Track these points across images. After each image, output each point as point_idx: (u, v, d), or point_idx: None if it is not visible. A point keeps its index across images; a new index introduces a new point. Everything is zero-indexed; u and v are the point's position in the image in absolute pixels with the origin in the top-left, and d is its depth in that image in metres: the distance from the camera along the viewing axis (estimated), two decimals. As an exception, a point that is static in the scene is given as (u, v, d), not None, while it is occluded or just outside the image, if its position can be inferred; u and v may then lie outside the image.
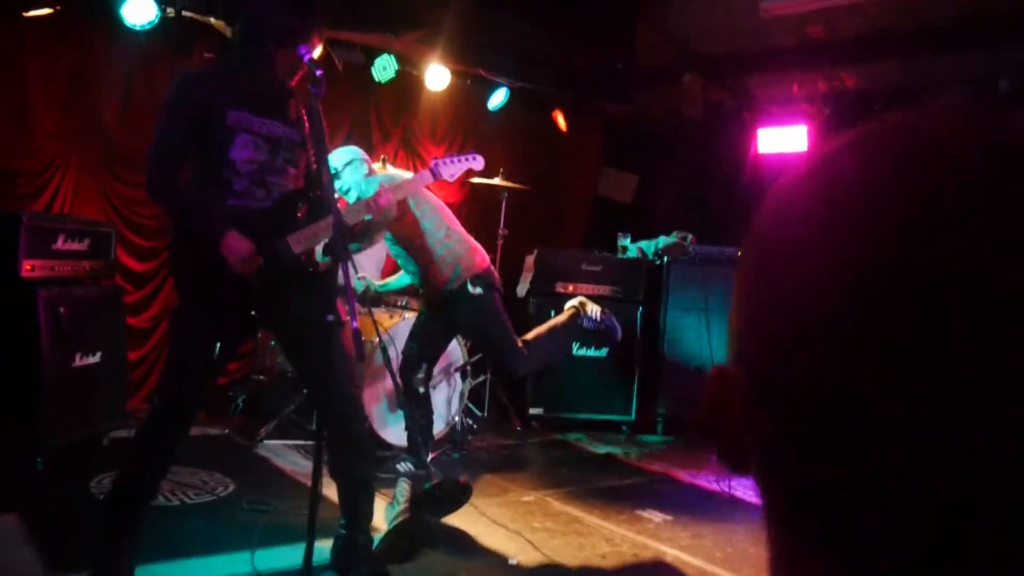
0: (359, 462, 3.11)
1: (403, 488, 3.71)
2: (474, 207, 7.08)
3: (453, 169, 3.44)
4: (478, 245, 4.42)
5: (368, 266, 5.82)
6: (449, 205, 7.04)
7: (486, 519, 3.95)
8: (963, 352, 0.36)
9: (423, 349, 4.46)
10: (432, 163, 3.39)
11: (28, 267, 3.98)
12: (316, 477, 2.60)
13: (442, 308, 4.33)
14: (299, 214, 2.99)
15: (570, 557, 3.54)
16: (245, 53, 2.87)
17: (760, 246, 0.49)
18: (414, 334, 4.52)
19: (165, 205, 2.98)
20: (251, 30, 2.87)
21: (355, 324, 2.44)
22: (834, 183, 0.45)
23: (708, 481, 4.97)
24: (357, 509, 3.14)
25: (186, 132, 2.80)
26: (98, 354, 4.33)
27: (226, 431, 5.03)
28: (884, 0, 6.00)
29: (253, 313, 2.99)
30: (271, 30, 2.79)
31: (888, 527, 0.39)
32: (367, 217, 3.18)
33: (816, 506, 0.43)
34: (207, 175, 2.85)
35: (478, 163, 3.54)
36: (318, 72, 2.70)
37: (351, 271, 2.50)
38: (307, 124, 2.90)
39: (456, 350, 5.18)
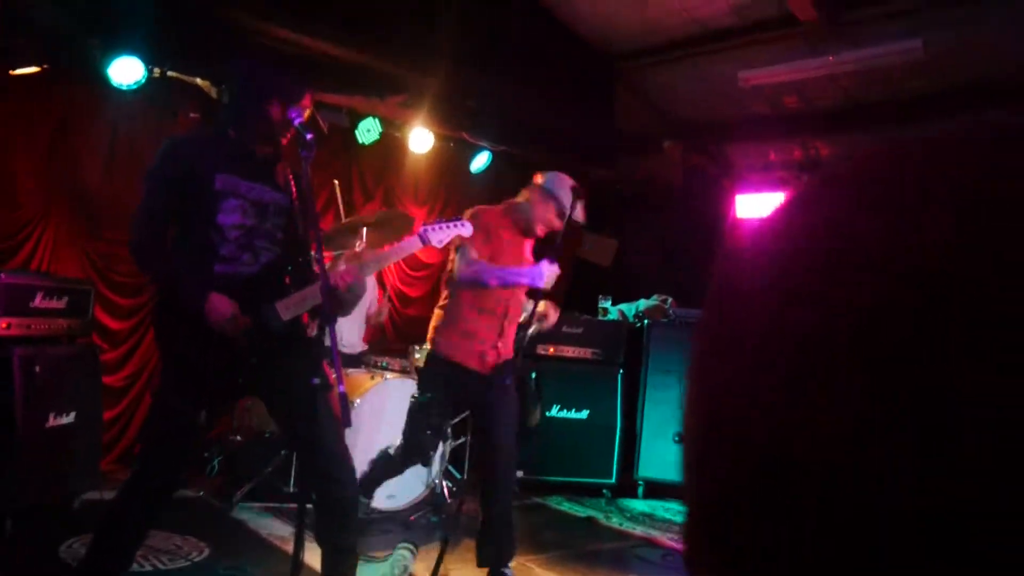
0: (345, 527, 3.05)
1: (401, 559, 3.65)
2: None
3: (442, 235, 3.39)
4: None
5: (350, 328, 5.81)
6: (429, 266, 7.11)
7: (467, 586, 3.88)
8: (959, 364, 0.36)
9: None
10: (421, 229, 3.33)
11: (4, 325, 3.92)
12: (298, 543, 2.55)
13: None
14: (286, 280, 2.97)
15: (553, 626, 3.47)
16: (236, 112, 2.89)
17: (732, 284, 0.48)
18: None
19: (150, 271, 2.94)
20: (244, 88, 2.89)
21: (342, 389, 2.42)
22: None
23: (690, 547, 4.91)
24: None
25: (172, 197, 2.80)
26: (72, 414, 4.24)
27: (201, 493, 4.92)
28: (858, 72, 6.17)
29: (240, 379, 2.94)
30: (264, 87, 2.82)
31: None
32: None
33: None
34: (193, 239, 2.83)
35: (467, 229, 3.51)
36: (308, 136, 2.73)
37: (337, 335, 2.49)
38: (294, 188, 2.90)
39: (437, 412, 5.13)
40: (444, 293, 4.06)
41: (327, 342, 2.43)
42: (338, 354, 2.43)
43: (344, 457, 3.03)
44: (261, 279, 2.88)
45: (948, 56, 5.77)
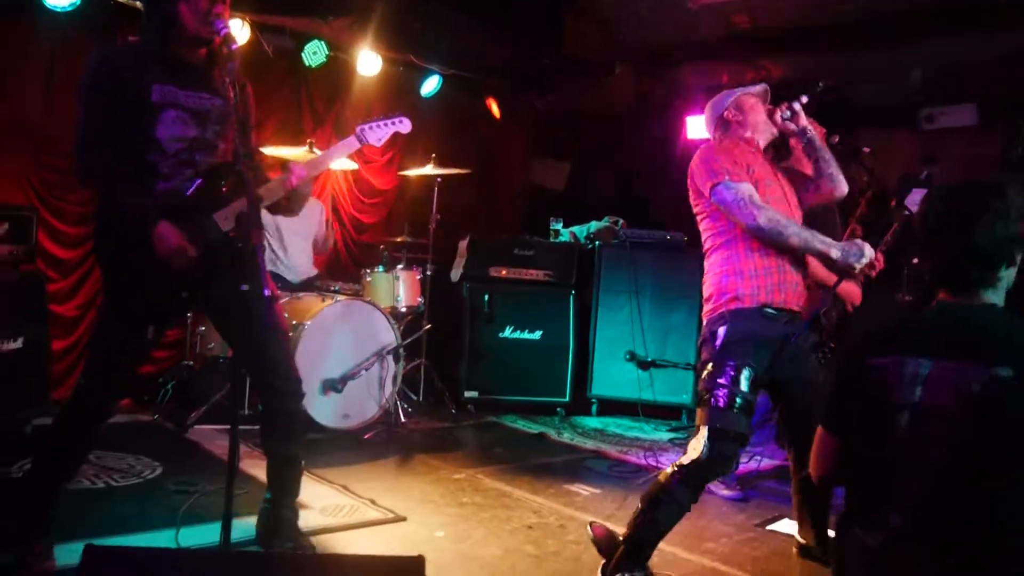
0: (290, 438, 3.11)
1: None
2: (407, 193, 7.10)
3: (380, 133, 3.24)
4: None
5: (298, 253, 5.82)
6: (384, 192, 7.11)
7: (415, 495, 4.00)
8: None
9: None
10: (357, 128, 3.20)
11: (-56, 251, 3.91)
12: (233, 452, 2.60)
13: None
14: (224, 189, 2.87)
15: (497, 528, 3.61)
16: (150, 19, 2.80)
17: None
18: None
19: (96, 188, 2.83)
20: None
21: (266, 291, 2.47)
22: None
23: (637, 457, 5.09)
24: (283, 484, 3.15)
25: (109, 110, 2.69)
26: (20, 340, 4.26)
27: (155, 417, 4.99)
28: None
29: (184, 294, 2.88)
30: None
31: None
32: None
33: None
34: (131, 158, 2.74)
35: (405, 126, 3.34)
36: (233, 47, 2.69)
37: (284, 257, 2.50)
38: (231, 93, 2.67)
39: (389, 332, 5.21)
40: None
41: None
42: (264, 264, 2.45)
43: (287, 368, 3.04)
44: (201, 191, 2.82)
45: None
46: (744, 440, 2.91)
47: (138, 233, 2.66)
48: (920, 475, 1.76)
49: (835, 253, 2.89)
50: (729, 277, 2.99)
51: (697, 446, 2.86)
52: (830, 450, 2.02)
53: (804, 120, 3.21)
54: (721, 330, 2.94)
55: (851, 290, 4.14)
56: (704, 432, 2.85)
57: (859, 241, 2.95)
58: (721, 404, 2.84)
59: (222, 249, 2.80)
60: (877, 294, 3.03)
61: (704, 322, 3.08)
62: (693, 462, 2.85)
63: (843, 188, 3.27)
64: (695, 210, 3.18)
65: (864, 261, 2.88)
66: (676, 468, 2.90)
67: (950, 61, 6.21)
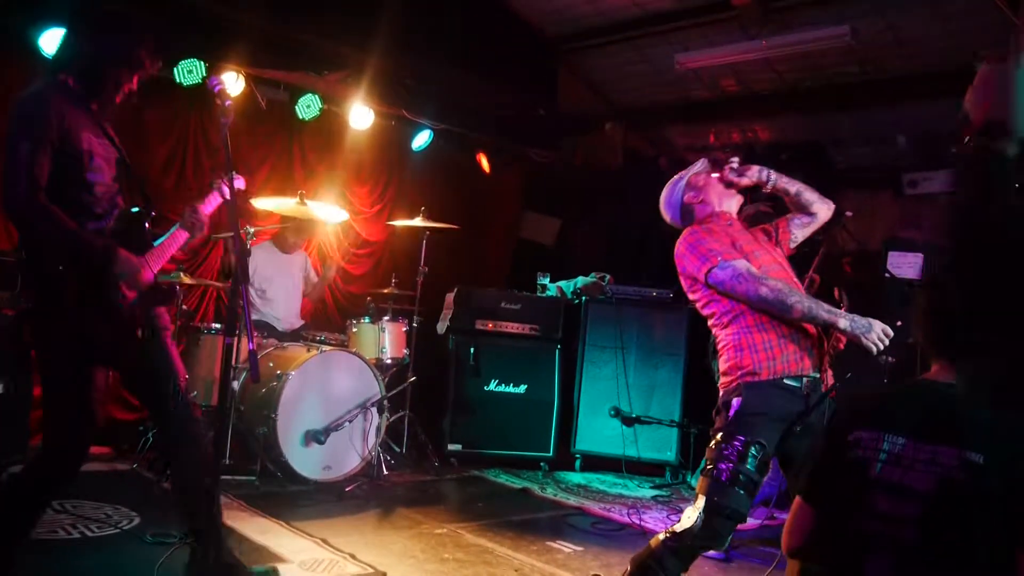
0: (200, 468, 2.96)
1: None
2: (396, 245, 7.15)
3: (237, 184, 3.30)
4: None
5: (287, 303, 5.84)
6: (372, 243, 7.15)
7: (396, 550, 3.96)
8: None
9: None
10: (218, 183, 3.31)
11: (-71, 294, 3.90)
12: (215, 504, 2.59)
13: None
14: (145, 233, 3.00)
15: (477, 586, 3.57)
16: (82, 65, 2.85)
17: None
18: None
19: (41, 228, 2.71)
20: (98, 43, 2.87)
21: (251, 345, 2.48)
22: None
23: (620, 514, 5.05)
24: (202, 520, 2.93)
25: (51, 151, 2.70)
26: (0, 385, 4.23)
27: (134, 466, 4.93)
28: (791, 57, 6.33)
29: (139, 331, 2.90)
30: (117, 56, 2.86)
31: None
32: None
33: None
34: (65, 200, 2.73)
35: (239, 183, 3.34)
36: (227, 103, 2.76)
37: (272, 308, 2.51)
38: (116, 140, 2.94)
39: (373, 383, 5.20)
40: None
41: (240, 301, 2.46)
42: (250, 309, 2.48)
43: (169, 399, 2.97)
44: (125, 234, 2.89)
45: (878, 44, 5.95)
46: (741, 519, 2.80)
47: (99, 263, 2.70)
48: (891, 554, 1.76)
49: (843, 323, 2.79)
50: (743, 351, 2.92)
51: (692, 515, 2.77)
52: (805, 521, 1.99)
53: (754, 168, 3.21)
54: (735, 401, 2.88)
55: None
56: (701, 503, 2.77)
57: (868, 319, 2.82)
58: (723, 479, 2.76)
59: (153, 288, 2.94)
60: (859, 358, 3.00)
61: (720, 392, 3.01)
62: (686, 531, 2.77)
63: (830, 206, 3.22)
64: (693, 298, 3.12)
65: (872, 336, 2.76)
66: (668, 535, 2.82)
67: (934, 127, 6.35)
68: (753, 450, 2.78)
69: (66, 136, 2.72)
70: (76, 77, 2.84)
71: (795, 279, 3.13)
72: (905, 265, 5.35)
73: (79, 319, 2.73)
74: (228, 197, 3.06)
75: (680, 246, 3.08)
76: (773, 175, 3.22)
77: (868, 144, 7.14)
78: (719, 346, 3.07)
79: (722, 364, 3.04)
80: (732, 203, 3.25)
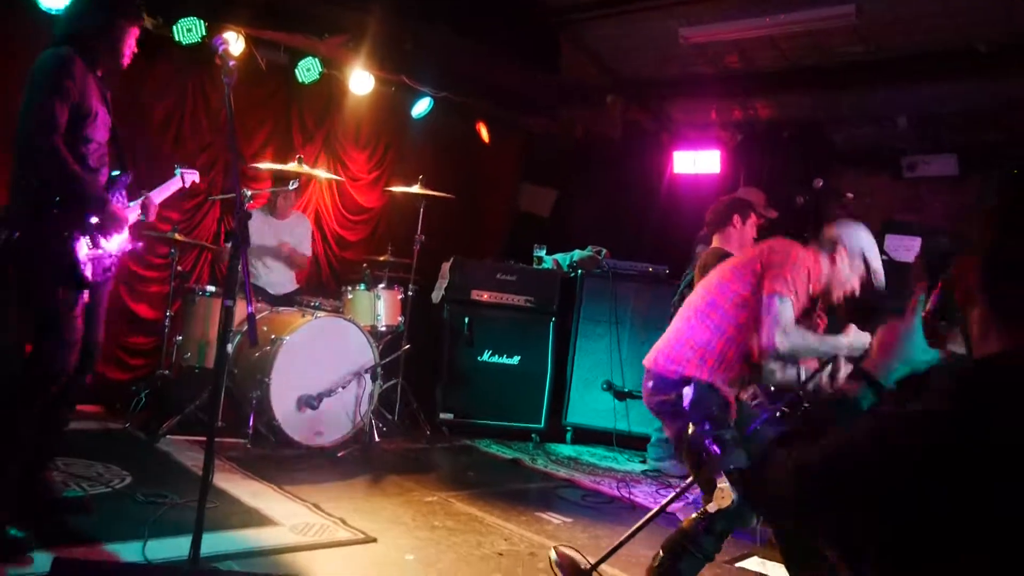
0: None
1: None
2: (392, 212, 7.12)
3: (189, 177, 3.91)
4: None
5: (280, 269, 5.82)
6: (369, 209, 7.12)
7: (386, 516, 3.98)
8: None
9: None
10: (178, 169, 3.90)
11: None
12: (208, 466, 2.59)
13: None
14: (125, 190, 3.41)
15: (467, 554, 3.60)
16: (91, 29, 3.15)
17: None
18: None
19: (55, 165, 3.02)
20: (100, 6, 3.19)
21: (250, 308, 2.48)
22: None
23: (610, 487, 5.09)
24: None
25: (68, 107, 3.03)
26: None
27: (127, 425, 4.93)
28: (796, 35, 6.28)
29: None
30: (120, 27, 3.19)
31: None
32: None
33: None
34: (69, 150, 3.06)
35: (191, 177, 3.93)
36: (231, 63, 2.74)
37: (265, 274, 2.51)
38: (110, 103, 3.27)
39: (367, 350, 5.20)
40: None
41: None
42: (247, 272, 2.49)
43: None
44: (109, 188, 3.29)
45: (882, 23, 5.90)
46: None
47: (92, 208, 3.08)
48: None
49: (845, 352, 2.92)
50: (702, 349, 3.04)
51: (724, 497, 2.80)
52: None
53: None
54: (687, 391, 2.99)
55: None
56: (724, 481, 2.81)
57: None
58: (717, 451, 2.84)
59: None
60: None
61: (659, 381, 3.09)
62: (721, 510, 2.81)
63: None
64: (733, 277, 3.13)
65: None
66: (701, 515, 2.88)
67: (935, 110, 6.33)
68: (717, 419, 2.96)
69: (81, 96, 3.06)
70: (85, 45, 3.14)
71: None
72: (902, 248, 5.36)
73: (67, 250, 3.03)
74: (190, 184, 3.85)
75: (786, 247, 3.10)
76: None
77: (868, 124, 7.12)
78: (681, 322, 3.16)
79: (675, 346, 3.12)
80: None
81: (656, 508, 3.33)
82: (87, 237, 3.10)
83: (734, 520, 2.89)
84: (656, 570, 2.93)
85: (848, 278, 3.12)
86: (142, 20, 3.33)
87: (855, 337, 2.93)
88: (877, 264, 3.15)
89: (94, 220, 3.11)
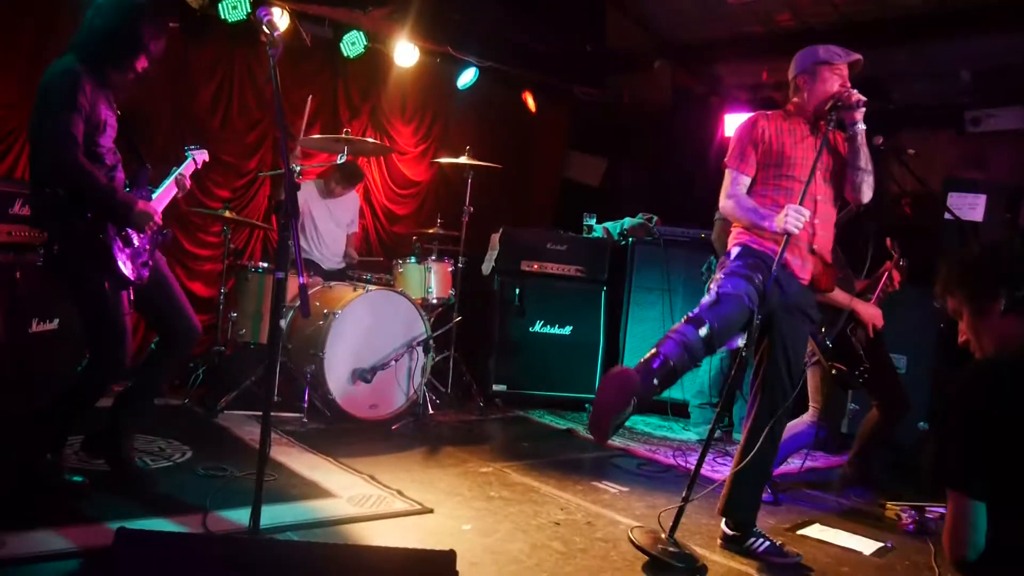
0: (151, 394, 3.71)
1: None
2: (440, 185, 7.09)
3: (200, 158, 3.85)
4: None
5: (334, 243, 5.85)
6: (417, 183, 7.11)
7: (442, 487, 3.99)
8: None
9: None
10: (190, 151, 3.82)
11: (-16, 231, 3.98)
12: (264, 439, 2.60)
13: None
14: (146, 187, 3.48)
15: (524, 523, 3.58)
16: (112, 44, 3.19)
17: None
18: None
19: (84, 183, 3.11)
20: (124, 22, 3.19)
21: (302, 279, 2.49)
22: None
23: (666, 456, 5.04)
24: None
25: (82, 121, 3.10)
26: (56, 320, 4.30)
27: (186, 401, 5.02)
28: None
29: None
30: (136, 39, 3.20)
31: None
32: None
33: None
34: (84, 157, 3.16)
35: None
36: (276, 33, 2.71)
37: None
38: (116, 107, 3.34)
39: (419, 323, 5.20)
40: None
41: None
42: (298, 246, 2.48)
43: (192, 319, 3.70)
44: (133, 185, 3.40)
45: (942, -28, 5.67)
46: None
47: (123, 213, 3.20)
48: None
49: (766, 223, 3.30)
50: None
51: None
52: (978, 520, 1.83)
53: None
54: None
55: (873, 312, 4.26)
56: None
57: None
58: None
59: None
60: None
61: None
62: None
63: (864, 197, 3.45)
64: None
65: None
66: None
67: (1001, 62, 6.07)
68: None
69: (92, 108, 3.14)
70: (95, 56, 3.18)
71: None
72: (967, 206, 5.16)
73: (106, 255, 3.17)
74: (201, 163, 3.81)
75: None
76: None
77: (928, 80, 6.86)
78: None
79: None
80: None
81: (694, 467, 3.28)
82: (119, 239, 3.22)
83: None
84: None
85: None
86: (167, 31, 3.34)
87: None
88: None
89: (124, 222, 3.24)
